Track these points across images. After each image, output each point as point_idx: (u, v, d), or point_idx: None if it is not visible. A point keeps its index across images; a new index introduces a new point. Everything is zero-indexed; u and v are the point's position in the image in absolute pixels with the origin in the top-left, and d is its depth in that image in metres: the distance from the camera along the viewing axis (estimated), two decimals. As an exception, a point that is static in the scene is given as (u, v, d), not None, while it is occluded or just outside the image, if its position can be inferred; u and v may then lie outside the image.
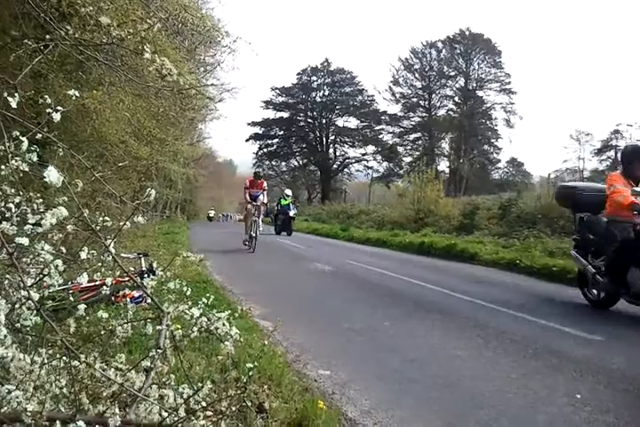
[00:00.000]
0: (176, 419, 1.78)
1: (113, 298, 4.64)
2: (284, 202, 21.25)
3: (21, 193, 1.92)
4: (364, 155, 52.72)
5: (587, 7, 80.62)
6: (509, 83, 48.97)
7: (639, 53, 72.73)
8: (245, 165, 58.18)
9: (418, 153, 50.40)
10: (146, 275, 4.54)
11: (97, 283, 4.03)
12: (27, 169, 1.72)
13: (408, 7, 75.66)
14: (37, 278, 1.93)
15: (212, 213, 51.80)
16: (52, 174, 1.64)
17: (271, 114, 53.80)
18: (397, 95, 51.62)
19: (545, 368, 4.09)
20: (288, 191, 22.78)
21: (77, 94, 2.02)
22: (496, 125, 50.01)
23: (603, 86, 78.95)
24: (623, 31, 77.82)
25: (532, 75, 74.69)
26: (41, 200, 1.90)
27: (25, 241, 1.71)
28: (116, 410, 1.83)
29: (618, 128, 41.17)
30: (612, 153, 43.79)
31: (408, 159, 51.12)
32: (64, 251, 2.02)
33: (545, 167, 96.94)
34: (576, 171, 45.94)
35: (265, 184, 13.31)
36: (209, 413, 2.05)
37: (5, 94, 1.84)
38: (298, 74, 53.37)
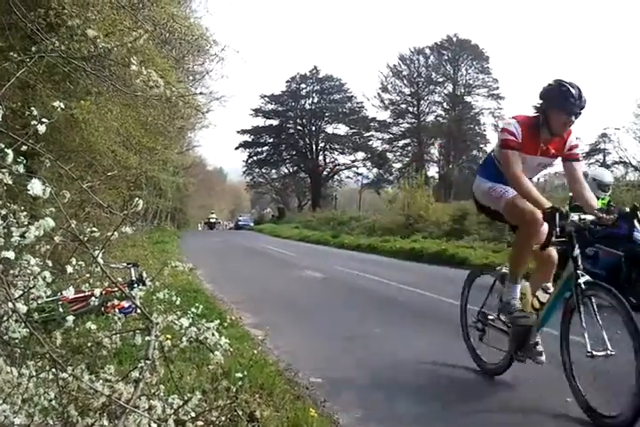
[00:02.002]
0: (165, 430, 1.77)
1: (103, 309, 4.60)
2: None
3: (8, 205, 1.91)
4: (353, 161, 52.82)
5: (573, 12, 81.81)
6: (497, 88, 49.33)
7: (625, 58, 73.64)
8: (235, 173, 57.94)
9: (407, 159, 50.60)
10: (135, 285, 4.52)
11: (86, 294, 4.02)
12: (10, 182, 1.71)
13: (396, 14, 76.40)
14: (24, 291, 1.92)
15: (213, 218, 45.25)
16: (36, 187, 1.64)
17: (260, 122, 53.89)
18: (386, 102, 51.82)
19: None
20: (608, 175, 6.99)
21: (62, 106, 2.02)
22: (484, 131, 50.25)
23: (589, 90, 79.69)
24: (610, 36, 79.01)
25: (519, 79, 75.47)
26: (26, 213, 1.89)
27: (11, 255, 1.70)
28: (105, 422, 1.82)
29: (605, 132, 41.52)
30: (600, 156, 44.22)
31: (398, 165, 51.36)
32: (50, 264, 2.01)
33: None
34: (564, 174, 46.32)
35: (573, 138, 3.79)
36: (200, 423, 2.04)
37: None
38: (287, 81, 53.56)
